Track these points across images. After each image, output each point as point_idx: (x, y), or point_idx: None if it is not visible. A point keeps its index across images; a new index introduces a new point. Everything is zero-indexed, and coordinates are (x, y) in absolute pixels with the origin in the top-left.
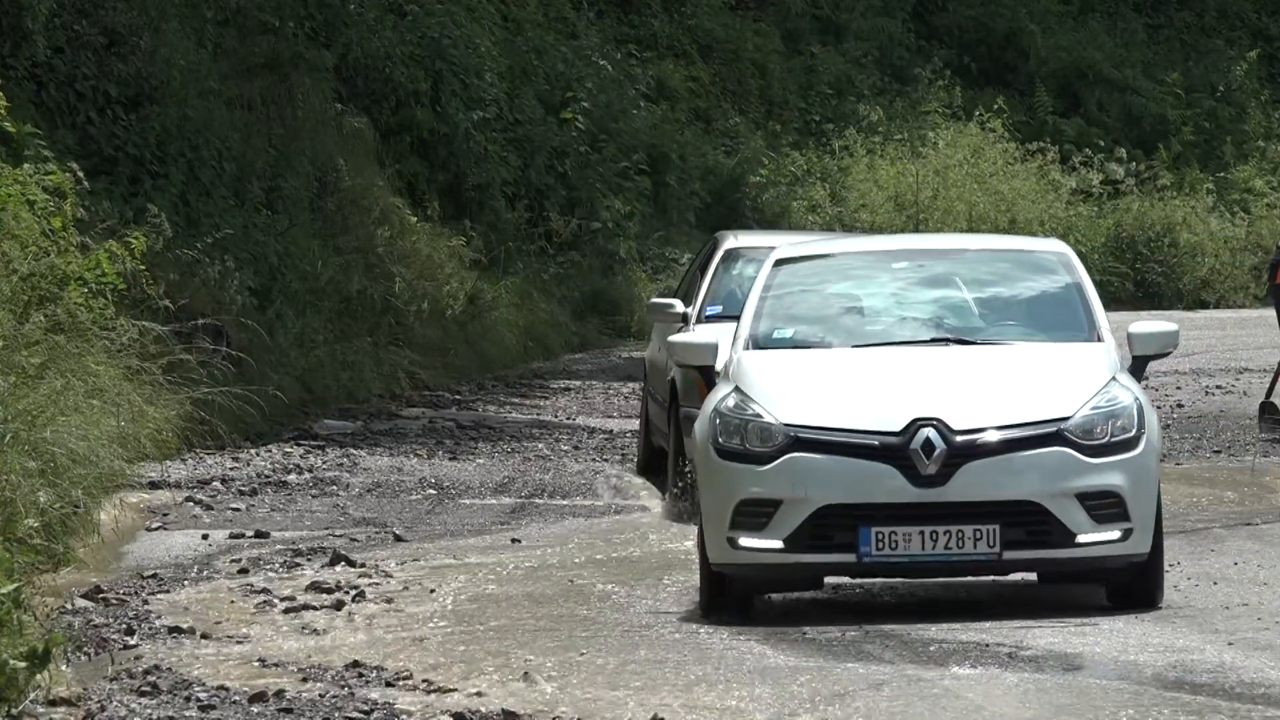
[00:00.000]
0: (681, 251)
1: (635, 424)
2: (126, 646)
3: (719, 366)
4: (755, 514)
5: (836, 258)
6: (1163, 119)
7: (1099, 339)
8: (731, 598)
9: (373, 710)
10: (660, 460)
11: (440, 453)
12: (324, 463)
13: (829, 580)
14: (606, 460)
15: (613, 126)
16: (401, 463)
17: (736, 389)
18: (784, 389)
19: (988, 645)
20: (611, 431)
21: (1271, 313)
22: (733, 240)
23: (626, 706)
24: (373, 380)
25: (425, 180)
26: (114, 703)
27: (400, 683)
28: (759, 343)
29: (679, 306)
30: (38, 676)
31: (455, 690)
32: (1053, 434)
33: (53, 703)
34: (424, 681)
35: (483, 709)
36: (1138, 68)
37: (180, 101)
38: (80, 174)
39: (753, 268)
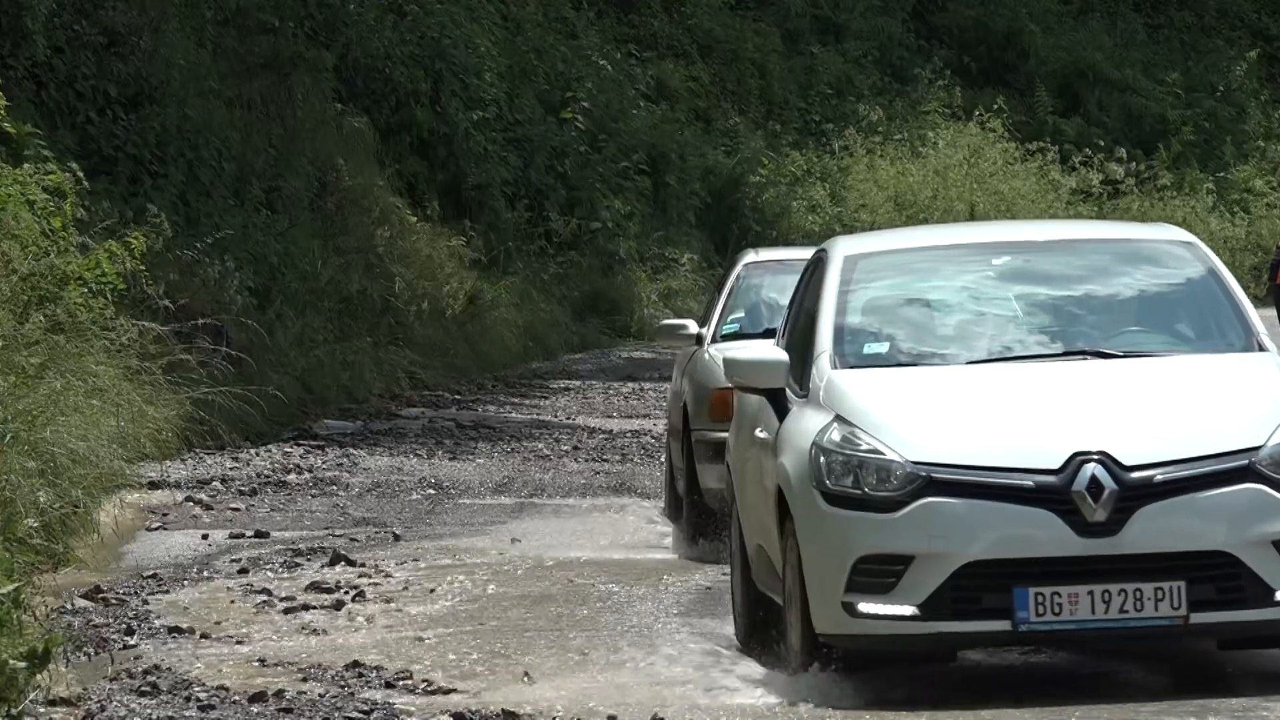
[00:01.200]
0: (681, 251)
1: (635, 424)
2: (126, 646)
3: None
4: (880, 573)
5: (922, 252)
6: (1163, 119)
7: (1260, 347)
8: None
9: (373, 710)
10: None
11: (440, 453)
12: (324, 463)
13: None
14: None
15: (613, 126)
16: (401, 463)
17: (838, 418)
18: (902, 418)
19: None
20: (611, 431)
21: (1272, 312)
22: (753, 255)
23: (626, 707)
24: (373, 380)
25: (425, 180)
26: (114, 703)
27: (400, 683)
28: (849, 359)
29: (691, 326)
30: (38, 676)
31: (455, 690)
32: (1242, 468)
33: (53, 703)
34: (424, 681)
35: (483, 709)
36: (1138, 67)
37: (180, 101)
38: (80, 174)
39: (774, 280)
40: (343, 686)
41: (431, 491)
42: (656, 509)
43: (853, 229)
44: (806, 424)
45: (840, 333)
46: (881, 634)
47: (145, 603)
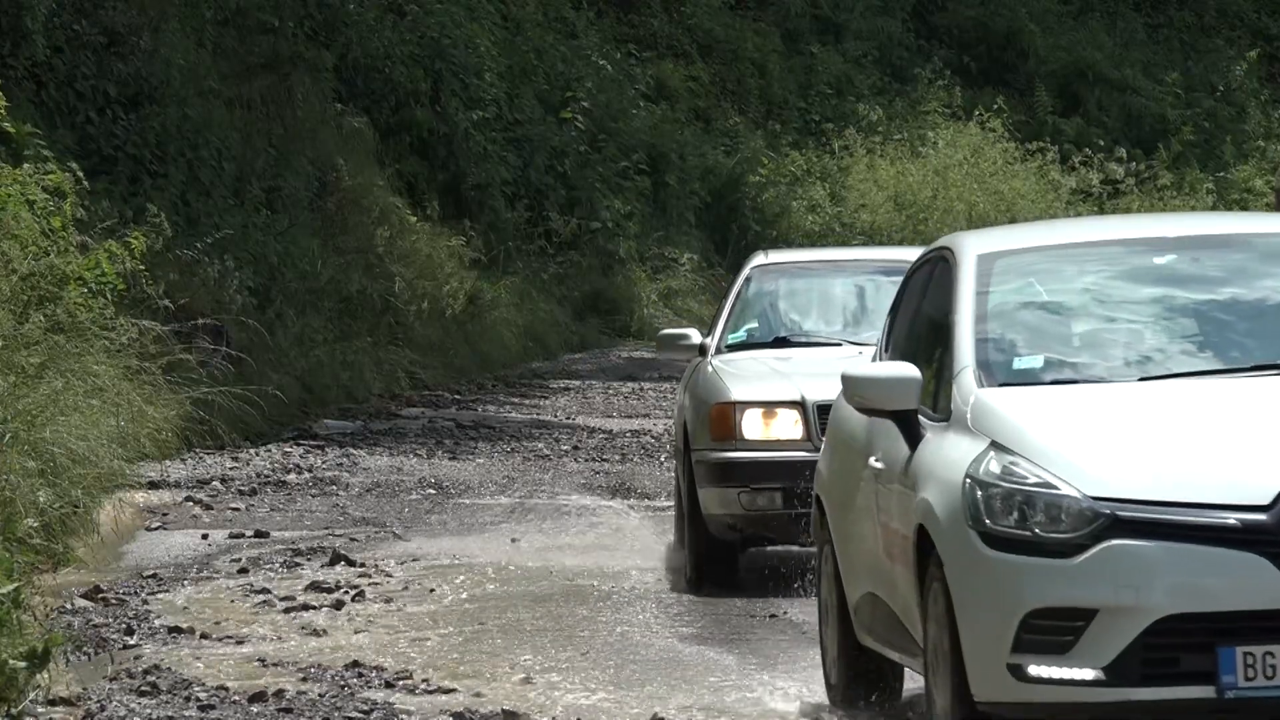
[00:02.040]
0: (681, 251)
1: (635, 424)
2: (126, 646)
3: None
4: (1055, 630)
5: (1069, 250)
6: (1162, 119)
7: None
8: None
9: (373, 710)
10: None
11: (440, 452)
12: (324, 462)
13: None
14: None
15: (612, 126)
16: (401, 462)
17: (995, 445)
18: (1075, 444)
19: None
20: (611, 431)
21: None
22: (762, 258)
23: (626, 706)
24: (373, 380)
25: (425, 180)
26: (114, 703)
27: (400, 683)
28: (997, 376)
29: (694, 336)
30: (37, 676)
31: (455, 690)
32: None
33: (52, 703)
34: (424, 681)
35: (483, 709)
36: (1137, 67)
37: (180, 101)
38: (80, 174)
39: (786, 285)
40: (343, 686)
41: (431, 491)
42: (657, 509)
43: (852, 229)
44: (952, 452)
45: (985, 345)
46: (1057, 701)
47: (145, 603)
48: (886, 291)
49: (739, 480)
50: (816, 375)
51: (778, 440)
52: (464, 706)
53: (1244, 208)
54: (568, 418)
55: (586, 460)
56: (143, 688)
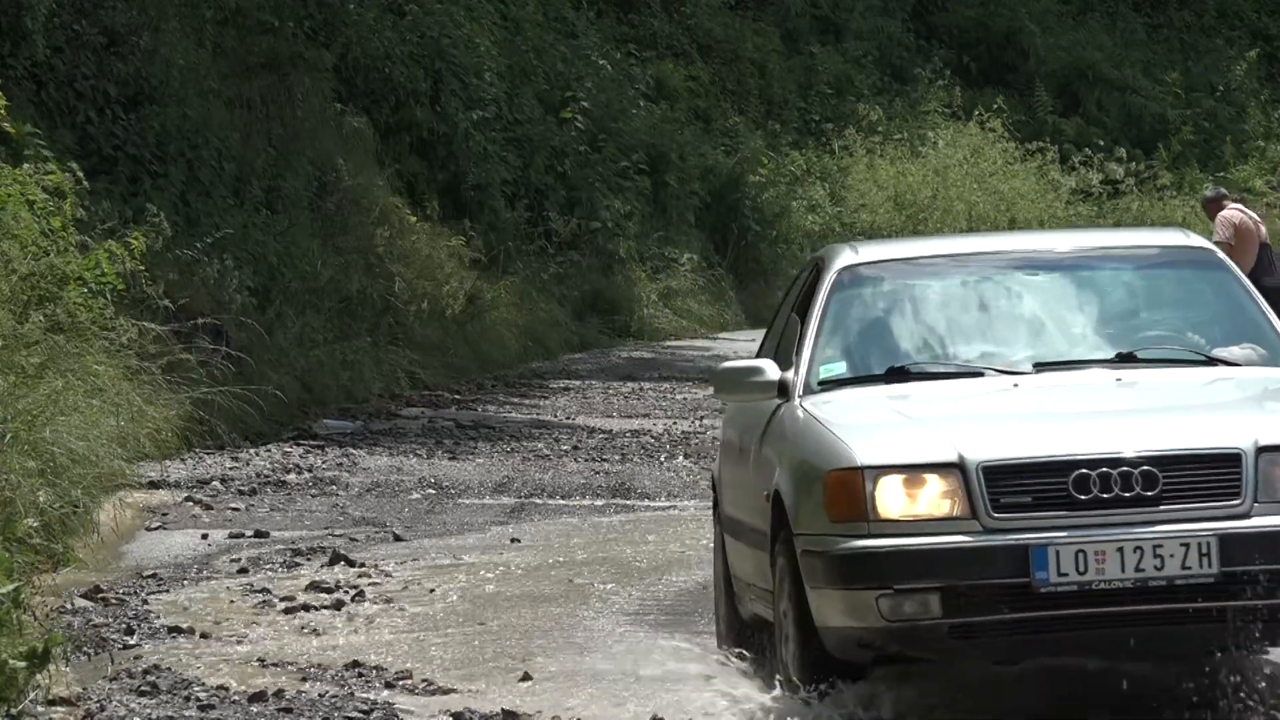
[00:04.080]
0: (681, 251)
1: (635, 424)
2: (126, 646)
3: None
4: None
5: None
6: (1162, 119)
7: None
8: None
9: (373, 710)
10: (757, 630)
11: (440, 452)
12: (324, 462)
13: None
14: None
15: (612, 126)
16: (401, 462)
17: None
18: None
19: None
20: (611, 431)
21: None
22: (849, 254)
23: (626, 707)
24: (372, 380)
25: (425, 180)
26: (113, 703)
27: (400, 683)
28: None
29: (769, 371)
30: (37, 676)
31: (455, 690)
32: None
33: (52, 703)
34: (424, 681)
35: (483, 709)
36: (1137, 67)
37: (180, 101)
38: (80, 174)
39: (891, 291)
40: (343, 686)
41: (431, 491)
42: (657, 509)
43: (852, 229)
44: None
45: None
46: None
47: (145, 603)
48: (1040, 294)
49: (877, 579)
50: (973, 421)
51: (929, 518)
52: (464, 706)
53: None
54: (568, 418)
55: (586, 460)
56: (143, 688)
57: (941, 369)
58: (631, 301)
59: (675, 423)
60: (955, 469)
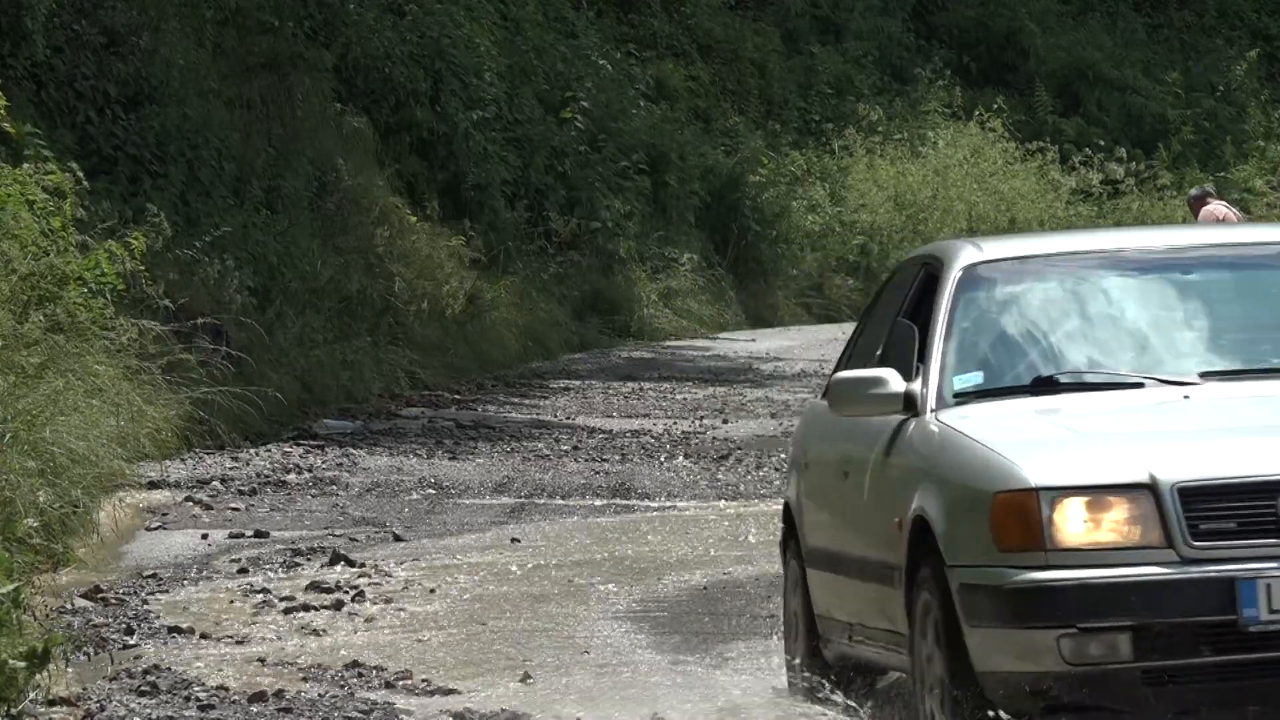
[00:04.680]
0: (681, 251)
1: (635, 424)
2: (126, 646)
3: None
4: None
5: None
6: (1162, 119)
7: None
8: None
9: (373, 710)
10: (845, 675)
11: (440, 452)
12: (324, 462)
13: None
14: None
15: (612, 126)
16: (401, 462)
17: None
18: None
19: None
20: (611, 431)
21: None
22: (973, 251)
23: (626, 707)
24: (372, 380)
25: (425, 180)
26: (113, 703)
27: (400, 683)
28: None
29: (892, 382)
30: (37, 676)
31: (455, 690)
32: None
33: (52, 703)
34: (424, 681)
35: (483, 709)
36: (1138, 67)
37: (180, 101)
38: (80, 174)
39: (1027, 292)
40: (343, 686)
41: (431, 491)
42: (656, 509)
43: (852, 229)
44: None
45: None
46: None
47: (145, 603)
48: (1197, 295)
49: (1058, 616)
50: (1157, 438)
51: (1116, 547)
52: (464, 706)
53: (1244, 208)
54: (568, 418)
55: (586, 460)
56: (143, 688)
57: (1097, 379)
58: (631, 301)
59: (675, 423)
60: (1146, 491)
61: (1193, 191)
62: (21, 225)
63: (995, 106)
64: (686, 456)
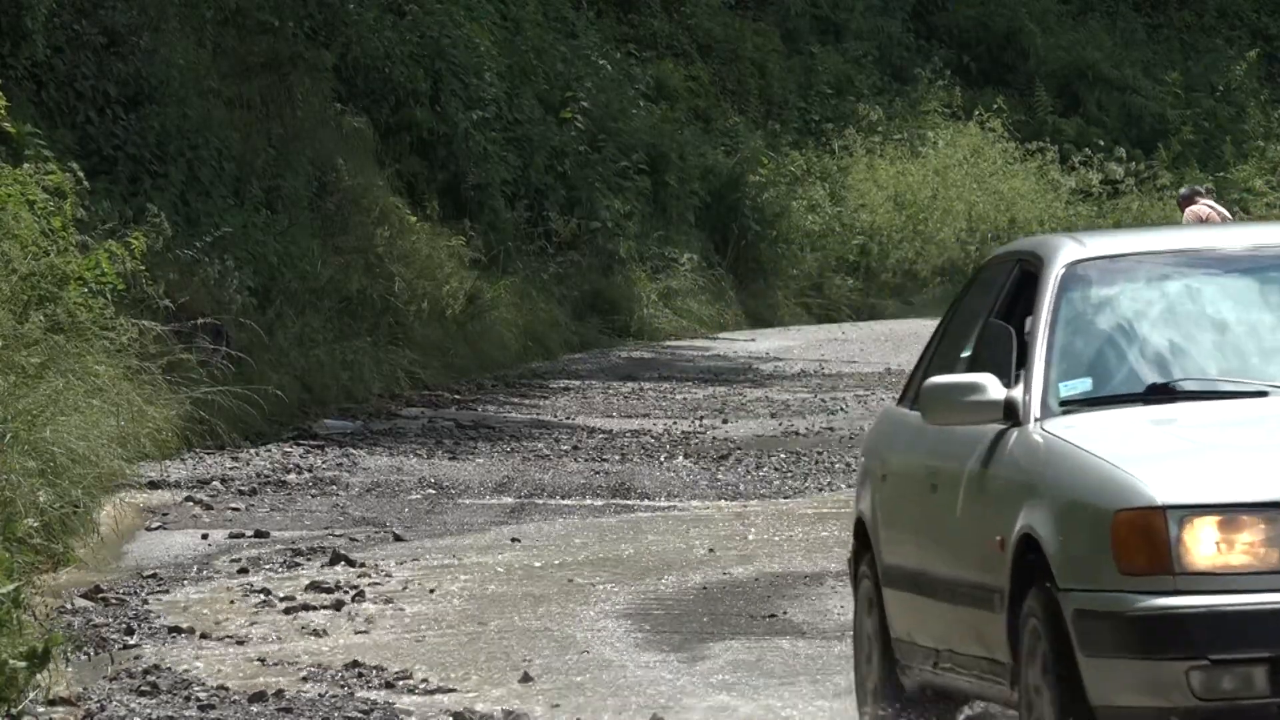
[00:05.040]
0: (681, 251)
1: (635, 424)
2: (126, 646)
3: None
4: None
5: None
6: (1162, 118)
7: None
8: None
9: (373, 710)
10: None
11: (440, 452)
12: (324, 462)
13: None
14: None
15: (612, 126)
16: (401, 462)
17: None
18: None
19: None
20: (611, 431)
21: None
22: (1074, 247)
23: (626, 707)
24: (372, 380)
25: (425, 180)
26: (114, 702)
27: (400, 683)
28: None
29: (991, 389)
30: (37, 676)
31: (455, 690)
32: None
33: (52, 702)
34: (424, 681)
35: (483, 709)
36: (1137, 67)
37: (180, 101)
38: (80, 174)
39: (1138, 293)
40: (343, 686)
41: (431, 491)
42: (656, 509)
43: (852, 229)
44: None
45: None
46: None
47: (145, 603)
48: None
49: (1188, 647)
50: None
51: (1251, 571)
52: (464, 706)
53: (1244, 208)
54: (568, 418)
55: (586, 460)
56: (143, 688)
57: (1218, 387)
58: (631, 301)
59: (675, 423)
60: None
61: (1182, 191)
62: (22, 225)
63: (995, 106)
64: (686, 456)
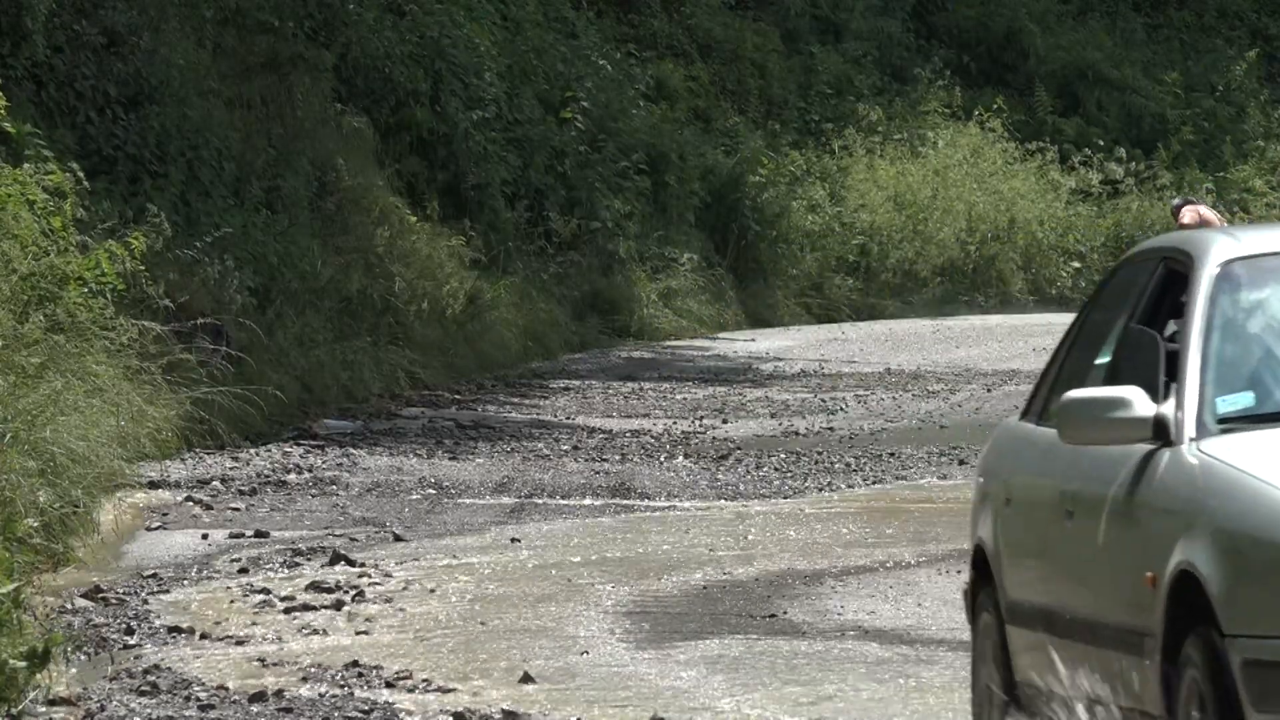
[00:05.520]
0: (681, 251)
1: (635, 424)
2: (126, 646)
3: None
4: None
5: None
6: (1162, 119)
7: None
8: None
9: (373, 710)
10: None
11: (440, 452)
12: (324, 462)
13: None
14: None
15: (612, 126)
16: (401, 462)
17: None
18: None
19: None
20: (611, 431)
21: None
22: (1231, 245)
23: (626, 707)
24: (372, 380)
25: (425, 180)
26: (114, 702)
27: (400, 683)
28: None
29: (1137, 404)
30: (38, 676)
31: (455, 690)
32: None
33: (52, 702)
34: (424, 681)
35: (483, 709)
36: (1137, 67)
37: (180, 101)
38: (80, 174)
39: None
40: (343, 686)
41: (431, 491)
42: (656, 509)
43: (852, 229)
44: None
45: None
46: None
47: (145, 603)
48: None
49: None
50: None
51: None
52: (464, 706)
53: (1244, 208)
54: (568, 418)
55: (586, 460)
56: (143, 688)
57: None
58: (631, 301)
59: (675, 423)
60: None
61: (1174, 201)
62: (21, 225)
63: (995, 106)
64: (686, 456)
